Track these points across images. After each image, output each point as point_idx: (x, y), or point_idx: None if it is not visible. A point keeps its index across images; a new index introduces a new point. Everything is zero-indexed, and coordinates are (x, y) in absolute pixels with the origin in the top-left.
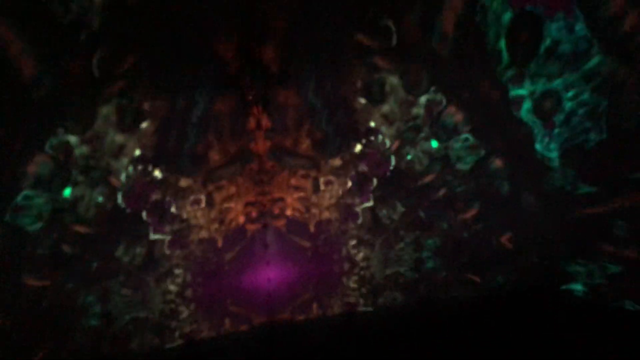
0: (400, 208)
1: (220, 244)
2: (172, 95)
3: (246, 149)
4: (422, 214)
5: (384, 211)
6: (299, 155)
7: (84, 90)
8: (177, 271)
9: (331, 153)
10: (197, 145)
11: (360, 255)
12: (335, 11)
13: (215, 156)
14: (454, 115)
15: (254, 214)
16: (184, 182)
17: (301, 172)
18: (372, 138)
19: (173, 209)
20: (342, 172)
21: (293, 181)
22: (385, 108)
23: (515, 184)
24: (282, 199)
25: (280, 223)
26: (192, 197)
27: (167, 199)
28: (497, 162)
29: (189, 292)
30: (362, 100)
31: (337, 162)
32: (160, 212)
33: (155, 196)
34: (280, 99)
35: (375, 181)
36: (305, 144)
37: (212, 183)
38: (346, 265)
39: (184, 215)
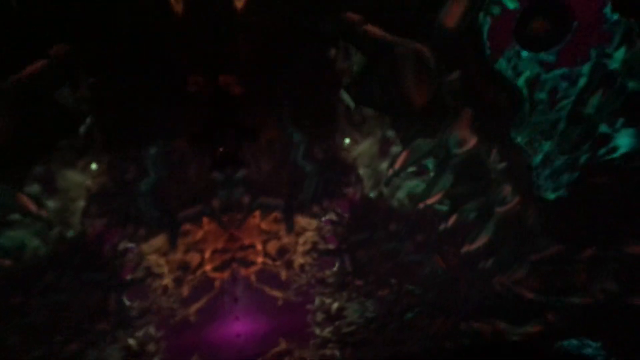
0: (379, 254)
1: (185, 294)
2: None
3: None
4: (404, 259)
5: (363, 257)
6: (273, 194)
7: None
8: (138, 323)
9: (307, 194)
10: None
11: (335, 305)
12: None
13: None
14: None
15: (222, 262)
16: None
17: (273, 215)
18: (352, 179)
19: (132, 255)
20: (319, 215)
21: (264, 225)
22: (364, 148)
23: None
24: (252, 246)
25: (250, 271)
26: (154, 242)
27: (126, 244)
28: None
29: (150, 347)
30: (346, 140)
31: (313, 202)
32: (118, 257)
33: (111, 240)
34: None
35: (353, 225)
36: (280, 184)
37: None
38: (319, 316)
39: (145, 262)
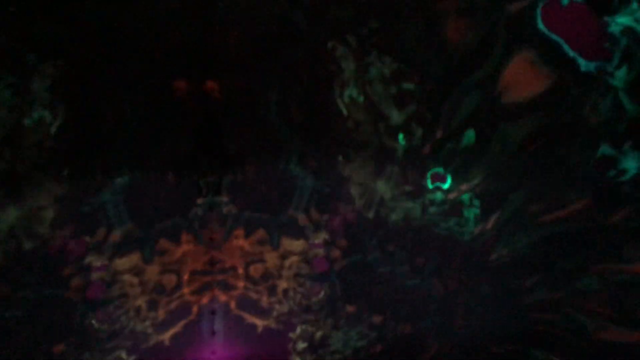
0: (373, 278)
1: (160, 317)
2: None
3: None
4: (400, 283)
5: (355, 281)
6: (258, 209)
7: None
8: (107, 347)
9: (296, 208)
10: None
11: (319, 333)
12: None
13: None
14: None
15: (200, 285)
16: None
17: (258, 234)
18: (347, 193)
19: (101, 273)
20: (308, 236)
21: (248, 247)
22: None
23: None
24: (233, 269)
25: (230, 296)
26: (126, 259)
27: (95, 259)
28: None
29: None
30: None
31: (302, 220)
32: (83, 273)
33: (76, 253)
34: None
35: (346, 246)
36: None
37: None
38: (301, 345)
39: (116, 281)
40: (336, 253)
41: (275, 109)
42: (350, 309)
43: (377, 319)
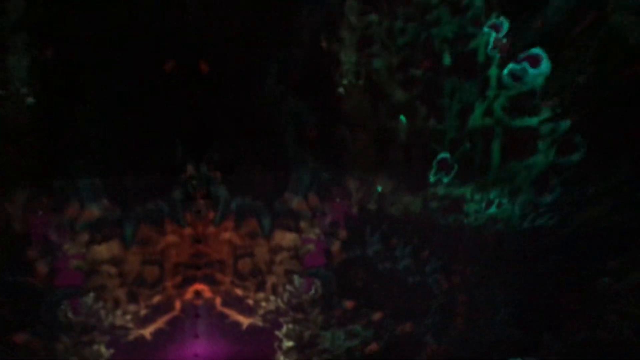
0: (373, 273)
1: (141, 312)
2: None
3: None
4: (402, 279)
5: (352, 277)
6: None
7: None
8: (84, 340)
9: (294, 191)
10: None
11: (308, 332)
12: None
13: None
14: None
15: (184, 279)
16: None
17: (249, 226)
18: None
19: (77, 261)
20: (302, 228)
21: (237, 240)
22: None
23: None
24: (221, 262)
25: (216, 291)
26: (104, 246)
27: (68, 244)
28: None
29: None
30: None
31: (299, 205)
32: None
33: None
34: None
35: (344, 240)
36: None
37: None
38: (287, 343)
39: (93, 270)
40: (334, 246)
41: (272, 82)
42: (348, 304)
43: (375, 317)
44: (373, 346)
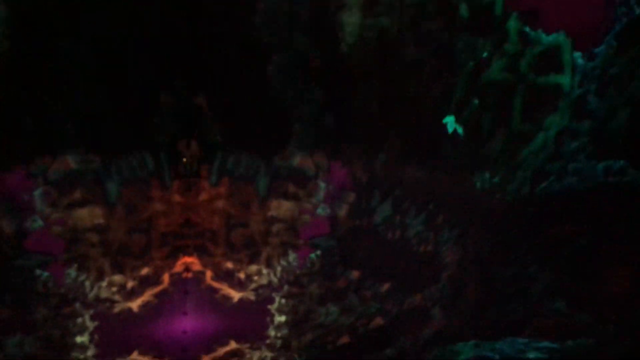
0: (379, 243)
1: (127, 284)
2: None
3: None
4: (410, 249)
5: (357, 247)
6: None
7: None
8: (65, 312)
9: (296, 148)
10: None
11: (303, 307)
12: None
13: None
14: None
15: (173, 249)
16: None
17: (243, 192)
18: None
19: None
20: (301, 195)
21: (231, 208)
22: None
23: None
24: (212, 232)
25: (207, 263)
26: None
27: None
28: None
29: (82, 339)
30: None
31: (302, 161)
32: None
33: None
34: None
35: (347, 207)
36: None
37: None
38: (279, 318)
39: (74, 238)
40: (342, 210)
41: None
42: (354, 274)
43: (383, 288)
44: (378, 320)
